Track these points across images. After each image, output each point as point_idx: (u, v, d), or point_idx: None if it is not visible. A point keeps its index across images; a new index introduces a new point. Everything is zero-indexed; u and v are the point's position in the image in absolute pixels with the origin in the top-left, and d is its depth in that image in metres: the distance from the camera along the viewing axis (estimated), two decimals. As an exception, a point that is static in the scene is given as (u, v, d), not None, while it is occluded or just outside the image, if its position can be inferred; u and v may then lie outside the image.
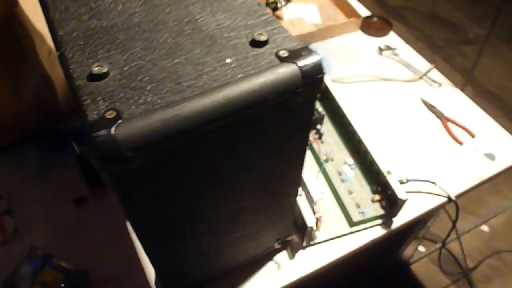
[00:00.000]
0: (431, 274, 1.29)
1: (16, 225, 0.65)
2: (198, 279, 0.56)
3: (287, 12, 1.03)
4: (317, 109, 0.75)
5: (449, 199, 0.70)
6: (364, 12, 1.06)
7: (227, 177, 0.39)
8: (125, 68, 0.33)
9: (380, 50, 0.95)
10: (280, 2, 0.96)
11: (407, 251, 1.34)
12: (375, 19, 1.02)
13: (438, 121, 0.82)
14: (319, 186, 0.69)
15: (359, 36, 1.00)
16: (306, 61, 0.34)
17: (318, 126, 0.75)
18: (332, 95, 0.77)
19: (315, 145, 0.73)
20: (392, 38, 1.00)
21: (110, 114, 0.30)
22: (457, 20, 2.22)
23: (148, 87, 0.32)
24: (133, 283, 0.60)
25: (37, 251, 0.61)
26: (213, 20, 0.38)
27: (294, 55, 0.34)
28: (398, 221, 0.66)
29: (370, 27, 1.00)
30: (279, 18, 1.01)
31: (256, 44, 0.35)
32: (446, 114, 0.82)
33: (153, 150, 0.30)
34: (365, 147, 0.69)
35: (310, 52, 0.34)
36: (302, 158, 0.44)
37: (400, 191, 0.62)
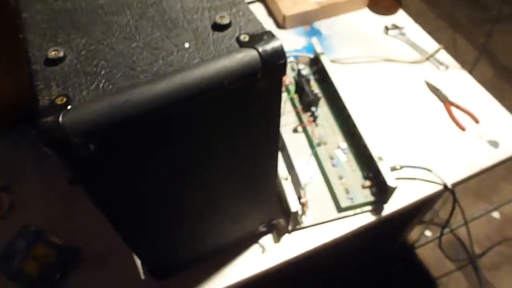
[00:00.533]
0: (436, 259, 1.28)
1: (12, 201, 0.67)
2: (182, 260, 0.57)
3: (291, -11, 1.00)
4: (312, 91, 0.73)
5: (445, 187, 0.67)
6: (373, -12, 1.02)
7: (193, 163, 0.39)
8: (82, 53, 0.33)
9: (387, 29, 0.91)
10: (282, -21, 0.92)
11: (413, 235, 1.32)
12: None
13: (441, 105, 0.78)
14: (309, 170, 0.68)
15: (366, 14, 0.96)
16: (266, 46, 0.32)
17: (313, 109, 0.73)
18: (329, 76, 0.75)
19: (308, 128, 0.72)
20: (401, 17, 0.95)
21: (60, 100, 0.29)
22: (482, -4, 2.11)
23: (102, 72, 0.31)
24: (120, 261, 0.61)
25: (30, 226, 0.63)
26: (178, 2, 0.37)
27: (254, 40, 0.33)
28: (390, 208, 0.65)
29: (378, 4, 0.96)
30: (283, -5, 0.97)
31: (217, 27, 0.34)
32: (451, 98, 0.79)
33: (106, 136, 0.30)
34: (358, 131, 0.67)
35: (271, 36, 0.33)
36: (275, 144, 0.43)
37: (390, 178, 0.61)
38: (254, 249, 0.62)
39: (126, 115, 0.30)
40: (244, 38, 0.33)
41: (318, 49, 0.79)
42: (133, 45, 0.33)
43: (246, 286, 0.60)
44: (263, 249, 0.61)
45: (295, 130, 0.73)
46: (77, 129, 0.29)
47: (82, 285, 0.59)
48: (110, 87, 0.30)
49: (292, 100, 0.76)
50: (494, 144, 0.73)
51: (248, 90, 0.34)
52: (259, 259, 0.60)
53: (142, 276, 0.59)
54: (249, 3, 0.99)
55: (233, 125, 0.37)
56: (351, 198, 0.63)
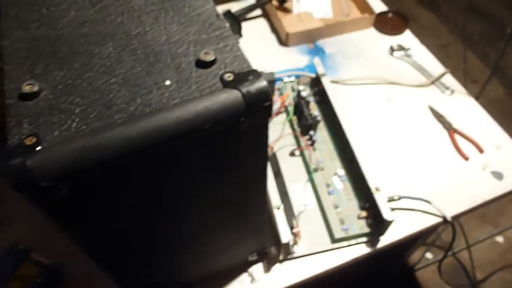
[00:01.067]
0: (436, 282, 1.24)
1: (0, 217, 0.66)
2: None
3: (297, 5, 0.98)
4: (311, 115, 0.71)
5: (445, 220, 0.65)
6: (381, 7, 0.99)
7: (175, 200, 0.37)
8: (59, 87, 0.32)
9: (392, 50, 0.89)
10: (288, -6, 0.91)
11: (414, 257, 1.29)
12: (390, 15, 0.95)
13: (445, 132, 0.76)
14: (305, 197, 0.66)
15: (371, 33, 0.94)
16: (251, 87, 0.31)
17: (311, 132, 0.71)
18: (328, 98, 0.73)
19: (306, 153, 0.70)
20: (408, 37, 0.93)
21: (29, 141, 0.28)
22: (496, 13, 2.07)
23: (77, 110, 0.30)
24: (105, 281, 0.60)
25: (18, 245, 0.62)
26: (163, 33, 0.35)
27: (239, 80, 0.31)
28: (386, 240, 0.63)
29: (384, 24, 0.94)
30: (288, 11, 0.96)
31: (201, 64, 0.33)
32: (455, 125, 0.76)
33: (76, 180, 0.29)
34: (356, 158, 0.65)
35: (257, 76, 0.31)
36: (262, 178, 0.41)
37: (386, 211, 0.58)
38: (243, 278, 0.60)
39: (97, 159, 0.28)
40: (229, 77, 0.32)
41: (320, 70, 0.77)
42: (112, 80, 0.32)
43: (233, 316, 0.58)
44: (252, 279, 0.60)
45: (292, 154, 0.71)
46: (45, 172, 0.27)
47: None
48: (84, 127, 0.29)
49: (290, 122, 0.75)
50: (498, 175, 0.70)
51: (231, 131, 0.32)
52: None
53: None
54: (252, 18, 0.98)
55: (217, 166, 0.35)
56: (346, 229, 0.61)
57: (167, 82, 0.32)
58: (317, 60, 0.79)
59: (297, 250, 0.61)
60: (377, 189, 0.61)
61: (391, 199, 0.64)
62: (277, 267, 0.61)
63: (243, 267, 0.60)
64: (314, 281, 0.62)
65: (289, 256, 0.60)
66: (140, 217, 0.37)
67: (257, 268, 0.61)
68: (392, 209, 0.65)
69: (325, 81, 0.75)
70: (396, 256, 1.12)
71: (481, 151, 0.73)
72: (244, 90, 0.31)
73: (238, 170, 0.37)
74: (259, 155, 0.37)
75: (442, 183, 0.69)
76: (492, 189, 0.69)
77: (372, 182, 0.61)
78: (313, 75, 0.80)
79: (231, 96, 0.30)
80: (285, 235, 0.56)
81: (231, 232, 0.48)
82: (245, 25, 0.96)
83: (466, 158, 0.72)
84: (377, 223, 0.61)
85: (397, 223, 0.64)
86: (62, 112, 0.30)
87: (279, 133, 0.73)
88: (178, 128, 0.29)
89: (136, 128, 0.29)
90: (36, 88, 0.31)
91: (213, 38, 0.35)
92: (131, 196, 0.34)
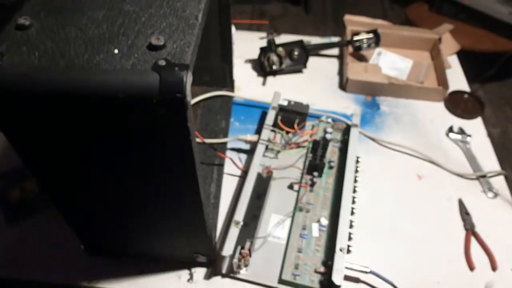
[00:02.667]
0: None
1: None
2: (113, 247, 0.60)
3: (376, 58, 0.97)
4: (320, 156, 0.70)
5: (411, 318, 0.58)
6: (463, 87, 0.92)
7: (103, 157, 0.42)
8: (45, 29, 0.39)
9: (450, 130, 0.82)
10: (363, 43, 0.90)
11: None
12: (466, 96, 0.88)
13: (463, 233, 0.67)
14: (279, 231, 0.65)
15: (438, 109, 0.88)
16: (170, 76, 0.34)
17: (315, 173, 0.70)
18: (348, 144, 0.71)
19: (301, 190, 0.69)
20: (474, 124, 0.85)
21: (-6, 55, 0.36)
22: None
23: (41, 49, 0.37)
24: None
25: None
26: (144, 16, 0.41)
27: (167, 67, 0.35)
28: (336, 307, 0.58)
29: (457, 104, 0.87)
30: (362, 59, 0.95)
31: (151, 47, 0.37)
32: (478, 229, 0.67)
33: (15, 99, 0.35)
34: (339, 211, 0.62)
35: (183, 70, 0.34)
36: (188, 177, 0.43)
37: (337, 273, 0.55)
38: (183, 274, 0.61)
39: (35, 88, 0.34)
40: (161, 63, 0.35)
41: (354, 119, 0.75)
42: (83, 37, 0.38)
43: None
44: (191, 278, 0.61)
45: (290, 187, 0.71)
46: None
47: (37, 227, 0.66)
48: (36, 62, 0.35)
49: (306, 157, 0.74)
50: (502, 303, 0.60)
51: (147, 112, 0.36)
52: (181, 285, 0.60)
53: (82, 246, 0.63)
54: (327, 56, 0.99)
55: (136, 141, 0.39)
56: (296, 275, 0.59)
57: (116, 51, 0.37)
58: (356, 109, 0.77)
59: (243, 272, 0.60)
60: (341, 249, 0.57)
61: (358, 269, 0.59)
62: (217, 279, 0.61)
63: (189, 264, 0.62)
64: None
65: (232, 274, 0.60)
66: (77, 161, 0.43)
67: (201, 272, 0.62)
68: (357, 281, 0.61)
69: (354, 131, 0.74)
70: None
71: (494, 268, 0.63)
72: (164, 76, 0.34)
73: (156, 156, 0.40)
74: (179, 150, 0.40)
75: (431, 281, 0.62)
76: (485, 314, 0.59)
77: (340, 241, 0.58)
78: (349, 123, 0.78)
79: (150, 77, 0.34)
80: (227, 249, 0.56)
81: (167, 218, 0.51)
82: (317, 60, 0.98)
83: (472, 268, 0.63)
84: (329, 284, 0.57)
85: (354, 296, 0.59)
86: (33, 46, 0.37)
87: (290, 163, 0.73)
88: (97, 87, 0.34)
89: (68, 76, 0.34)
90: (27, 23, 0.39)
91: (179, 31, 0.39)
92: (68, 136, 0.39)
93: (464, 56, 1.02)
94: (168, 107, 0.35)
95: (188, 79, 0.34)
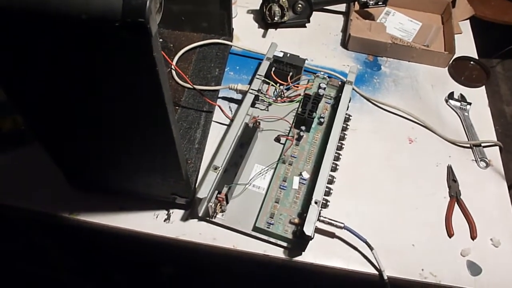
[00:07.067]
0: None
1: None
2: (94, 181, 0.61)
3: (384, 16, 0.93)
4: (309, 111, 0.69)
5: (380, 276, 0.58)
6: (472, 54, 0.88)
7: (82, 88, 0.41)
8: None
9: (449, 97, 0.79)
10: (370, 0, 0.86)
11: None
12: (472, 63, 0.84)
13: (447, 199, 0.66)
14: (260, 180, 0.65)
15: (441, 74, 0.85)
16: (134, 1, 0.33)
17: (302, 127, 0.69)
18: (340, 101, 0.69)
19: (287, 143, 0.68)
20: (476, 92, 0.82)
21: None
22: None
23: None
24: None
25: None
26: None
27: (132, -9, 0.33)
28: (306, 258, 0.59)
29: (461, 70, 0.83)
30: (369, 17, 0.91)
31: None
32: (464, 197, 0.66)
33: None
34: (320, 165, 0.61)
35: (149, -4, 0.33)
36: (158, 113, 0.42)
37: (309, 225, 0.55)
38: (161, 213, 0.62)
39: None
40: (127, -14, 0.34)
41: (350, 77, 0.73)
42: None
43: (134, 241, 0.62)
44: (168, 218, 0.62)
45: (277, 139, 0.70)
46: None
47: (25, 158, 0.67)
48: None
49: (297, 111, 0.73)
50: (475, 270, 0.60)
51: (109, 35, 0.35)
52: (158, 224, 0.61)
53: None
54: (333, 11, 0.96)
55: (100, 66, 0.38)
56: (270, 224, 0.59)
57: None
58: (353, 67, 0.75)
59: (219, 217, 0.61)
60: (316, 202, 0.57)
61: (332, 223, 0.59)
62: (194, 221, 0.62)
63: (168, 205, 0.63)
64: (223, 259, 0.61)
65: (208, 218, 0.61)
66: (50, 89, 0.42)
67: (179, 214, 0.62)
68: (332, 237, 0.61)
69: (347, 88, 0.72)
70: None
71: (473, 237, 0.62)
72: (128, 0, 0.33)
73: (125, 88, 0.40)
74: (146, 81, 0.39)
75: (406, 243, 0.61)
76: (456, 280, 0.59)
77: (317, 194, 0.58)
78: (344, 79, 0.76)
79: (114, 1, 0.33)
80: (202, 192, 0.57)
81: (140, 154, 0.51)
82: (322, 16, 0.94)
83: (450, 235, 0.62)
84: (301, 235, 0.58)
85: (326, 250, 0.60)
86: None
87: (280, 116, 0.72)
88: (60, 6, 0.33)
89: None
90: None
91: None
92: (37, 62, 0.39)
93: (484, 27, 0.97)
94: (131, 32, 0.34)
95: (152, 4, 0.33)
